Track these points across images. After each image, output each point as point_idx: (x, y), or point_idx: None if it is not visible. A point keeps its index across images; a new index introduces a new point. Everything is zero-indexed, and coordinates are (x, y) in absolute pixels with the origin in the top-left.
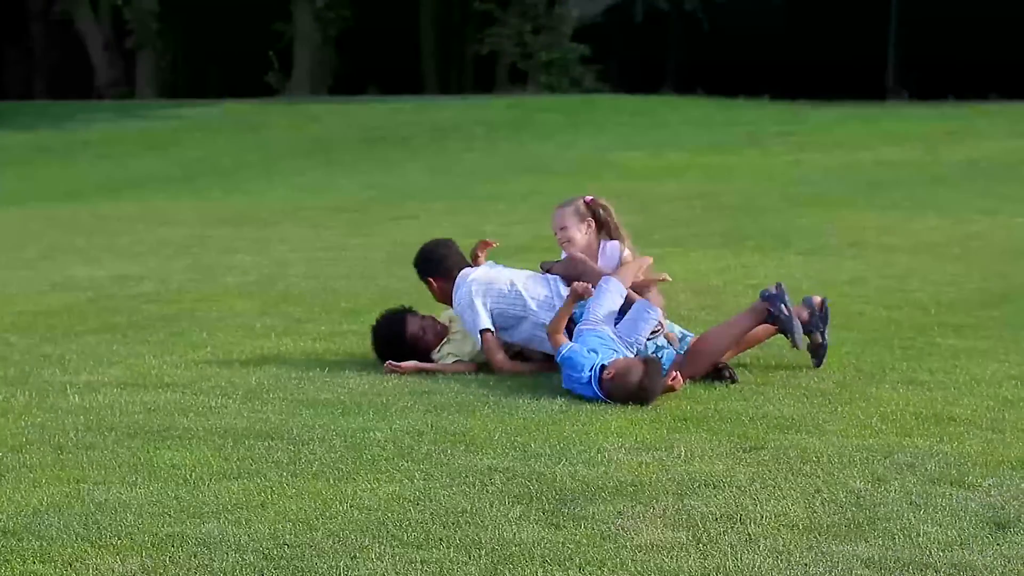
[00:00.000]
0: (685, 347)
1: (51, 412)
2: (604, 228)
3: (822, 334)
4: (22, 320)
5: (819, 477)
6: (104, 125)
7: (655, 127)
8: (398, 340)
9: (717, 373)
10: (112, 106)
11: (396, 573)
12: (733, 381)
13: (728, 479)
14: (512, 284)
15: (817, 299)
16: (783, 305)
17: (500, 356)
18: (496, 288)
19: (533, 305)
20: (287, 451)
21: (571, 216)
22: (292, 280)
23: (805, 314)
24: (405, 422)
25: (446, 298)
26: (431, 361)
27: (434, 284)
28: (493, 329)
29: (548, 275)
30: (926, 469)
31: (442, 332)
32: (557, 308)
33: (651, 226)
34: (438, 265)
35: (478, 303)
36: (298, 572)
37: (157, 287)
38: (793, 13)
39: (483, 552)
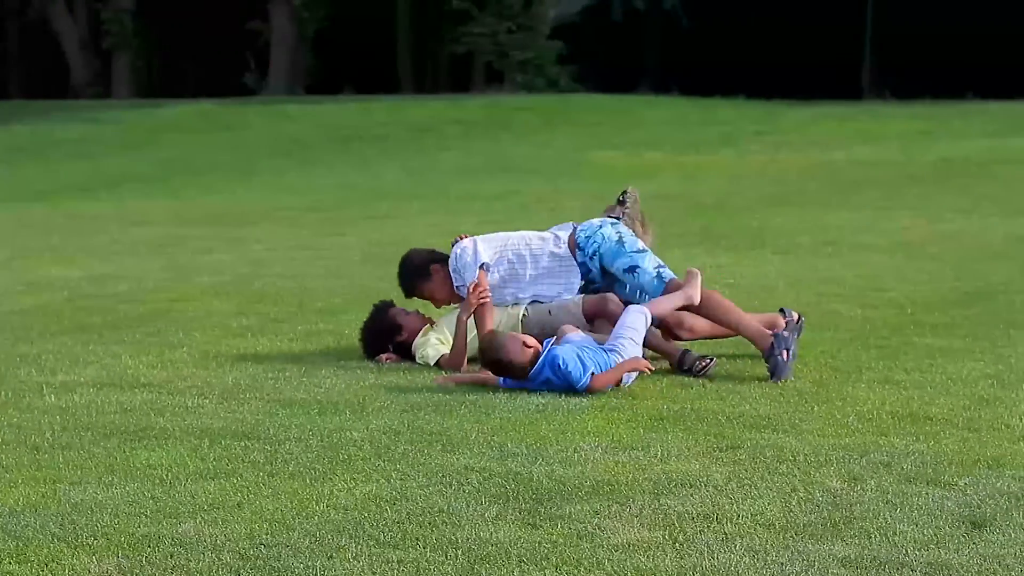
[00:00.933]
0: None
1: (27, 412)
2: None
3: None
4: None
5: (795, 476)
6: (80, 124)
7: (632, 127)
8: (381, 323)
9: (697, 363)
10: (88, 105)
11: (373, 573)
12: (703, 373)
13: (704, 478)
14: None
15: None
16: (786, 351)
17: (472, 316)
18: (499, 236)
19: (540, 243)
20: (263, 451)
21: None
22: (268, 279)
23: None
24: (382, 422)
25: (450, 279)
26: (411, 349)
27: (439, 273)
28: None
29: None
30: (902, 468)
31: (426, 320)
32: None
33: None
34: (432, 254)
35: (481, 247)
36: (275, 572)
37: (133, 287)
38: (770, 12)
39: (460, 552)
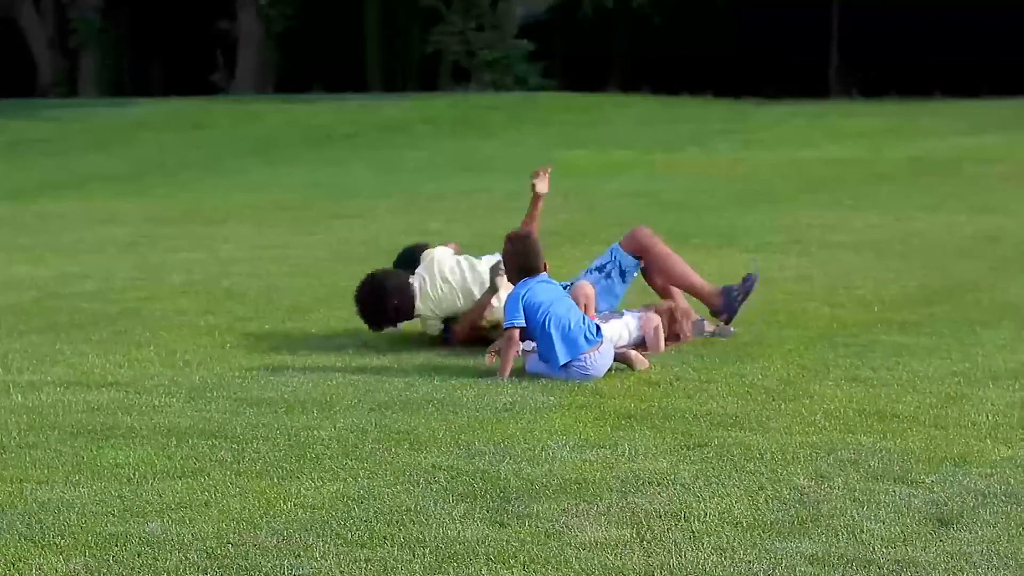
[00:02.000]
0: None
1: None
2: None
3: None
4: None
5: (763, 474)
6: (48, 123)
7: (600, 125)
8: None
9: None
10: (56, 103)
11: (340, 571)
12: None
13: (672, 476)
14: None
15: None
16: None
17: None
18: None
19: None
20: (231, 450)
21: None
22: (236, 278)
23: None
24: (349, 420)
25: None
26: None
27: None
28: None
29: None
30: (869, 466)
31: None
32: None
33: (596, 224)
34: (398, 273)
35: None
36: (242, 571)
37: (101, 286)
38: (739, 10)
39: (427, 550)
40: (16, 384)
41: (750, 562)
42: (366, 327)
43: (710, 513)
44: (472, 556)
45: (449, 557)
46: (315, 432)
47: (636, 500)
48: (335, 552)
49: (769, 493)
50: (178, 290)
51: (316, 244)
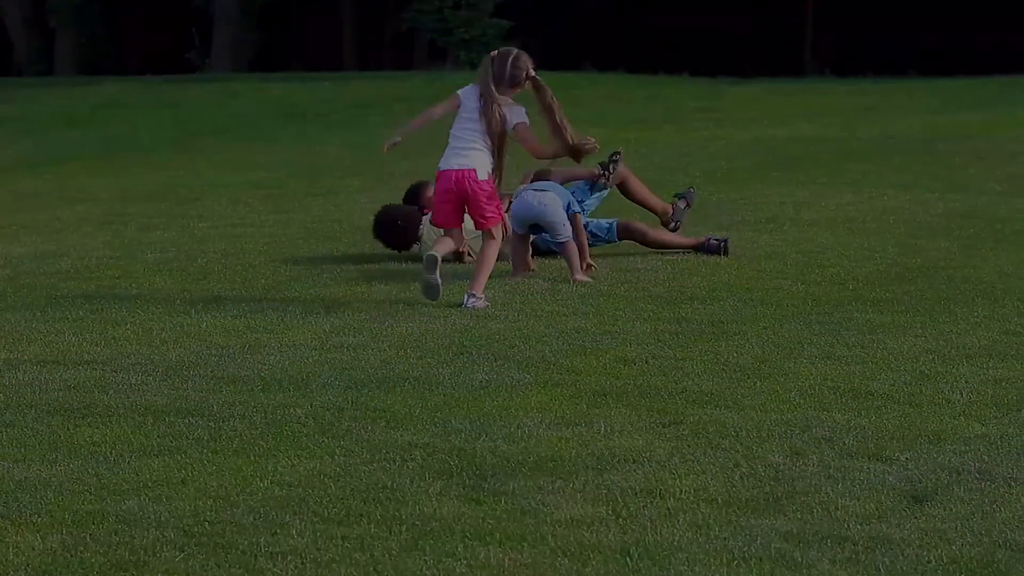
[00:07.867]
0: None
1: None
2: None
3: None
4: None
5: (738, 451)
6: (23, 102)
7: (575, 103)
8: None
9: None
10: (31, 82)
11: (317, 549)
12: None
13: (647, 454)
14: None
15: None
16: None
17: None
18: None
19: None
20: (207, 428)
21: None
22: (211, 256)
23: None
24: (325, 398)
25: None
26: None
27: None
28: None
29: None
30: (844, 443)
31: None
32: None
33: None
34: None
35: None
36: (219, 549)
37: (76, 264)
38: None
39: (404, 527)
40: None
41: (725, 539)
42: (347, 301)
43: (685, 490)
44: (448, 533)
45: (425, 534)
46: (291, 410)
47: (611, 477)
48: (312, 530)
49: (744, 470)
50: (154, 268)
51: (291, 222)
